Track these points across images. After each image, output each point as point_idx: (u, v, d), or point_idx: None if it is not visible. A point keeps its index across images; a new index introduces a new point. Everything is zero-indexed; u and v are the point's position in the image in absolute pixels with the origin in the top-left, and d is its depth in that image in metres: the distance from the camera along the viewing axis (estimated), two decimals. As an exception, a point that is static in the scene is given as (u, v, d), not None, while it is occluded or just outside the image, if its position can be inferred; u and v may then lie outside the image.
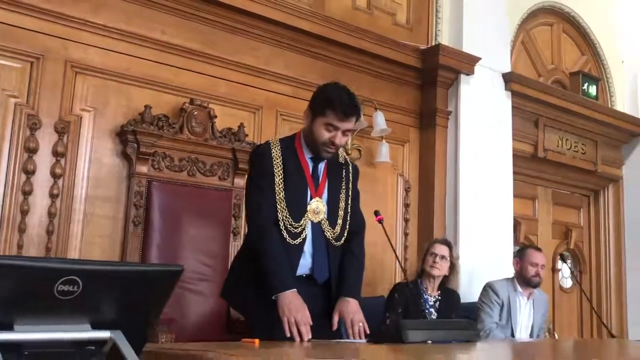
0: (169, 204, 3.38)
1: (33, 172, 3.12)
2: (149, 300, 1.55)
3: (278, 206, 2.22)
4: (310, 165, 2.34)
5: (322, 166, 2.36)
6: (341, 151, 2.50)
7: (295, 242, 2.23)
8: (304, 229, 2.26)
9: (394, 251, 2.64)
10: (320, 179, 2.34)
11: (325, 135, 2.26)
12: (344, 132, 2.28)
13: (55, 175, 3.18)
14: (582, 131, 5.78)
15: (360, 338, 2.15)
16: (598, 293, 6.17)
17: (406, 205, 4.62)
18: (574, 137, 5.74)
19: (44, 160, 3.16)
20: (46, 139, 3.18)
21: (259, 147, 2.45)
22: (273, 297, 2.11)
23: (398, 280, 4.33)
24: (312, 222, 2.29)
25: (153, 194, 3.35)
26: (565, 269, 5.96)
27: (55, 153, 3.19)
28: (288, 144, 2.35)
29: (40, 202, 3.14)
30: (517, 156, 5.18)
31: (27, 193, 3.09)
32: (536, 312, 3.91)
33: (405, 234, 4.61)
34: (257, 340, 1.91)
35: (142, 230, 3.31)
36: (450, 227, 4.58)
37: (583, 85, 5.71)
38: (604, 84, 6.26)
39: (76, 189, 3.24)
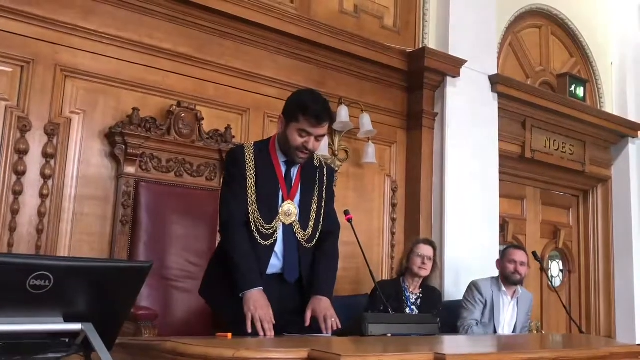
0: (156, 204, 3.47)
1: (23, 173, 3.21)
2: (120, 295, 1.64)
3: (250, 208, 2.30)
4: (284, 168, 2.43)
5: (295, 170, 2.45)
6: (316, 154, 2.58)
7: (266, 242, 2.32)
8: (275, 230, 2.34)
9: (362, 251, 2.70)
10: (293, 182, 2.42)
11: (299, 140, 2.34)
12: (317, 138, 2.37)
13: (45, 176, 3.27)
14: (570, 132, 5.86)
15: (331, 332, 2.23)
16: (587, 292, 6.25)
17: (393, 205, 4.71)
18: (562, 138, 5.81)
19: (34, 161, 3.26)
20: (36, 141, 3.27)
21: (232, 151, 2.54)
22: (240, 295, 2.19)
23: (383, 278, 4.42)
24: (283, 224, 2.37)
25: (141, 194, 3.44)
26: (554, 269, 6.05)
27: (45, 154, 3.28)
28: (262, 147, 2.43)
29: (30, 201, 3.23)
30: (504, 157, 5.27)
31: (17, 193, 3.19)
32: (520, 310, 3.99)
33: (392, 233, 4.69)
34: (229, 334, 2.00)
35: (130, 229, 3.40)
36: (436, 226, 4.67)
37: (570, 87, 5.79)
38: (593, 86, 6.33)
39: (65, 189, 3.33)
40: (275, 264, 2.36)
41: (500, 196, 5.24)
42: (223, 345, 1.47)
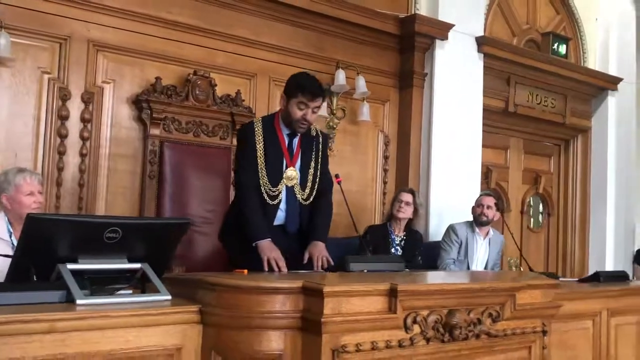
0: (178, 161, 4.05)
1: (66, 136, 3.78)
2: (167, 242, 2.25)
3: (260, 174, 2.86)
4: (287, 139, 2.96)
5: (296, 140, 2.98)
6: (313, 125, 3.12)
7: (273, 202, 2.89)
8: (280, 192, 2.90)
9: (347, 206, 3.22)
10: (294, 151, 2.97)
11: (298, 113, 2.87)
12: (313, 110, 2.89)
13: (83, 138, 3.84)
14: (552, 87, 6.32)
15: (324, 268, 2.82)
16: (564, 233, 6.87)
17: (385, 157, 5.27)
18: (544, 92, 6.28)
19: (74, 125, 3.82)
20: (75, 108, 3.83)
21: (244, 126, 3.07)
22: (253, 245, 2.78)
23: (376, 222, 5.03)
24: (287, 186, 2.93)
25: (165, 152, 4.01)
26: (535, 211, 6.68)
27: (83, 119, 3.84)
28: (268, 122, 2.96)
29: (72, 160, 3.81)
30: (489, 111, 5.77)
31: (61, 153, 3.77)
32: (492, 250, 4.60)
33: (384, 182, 5.27)
34: (245, 271, 2.60)
35: (157, 183, 3.99)
36: (423, 176, 5.24)
37: (553, 45, 6.21)
38: (577, 41, 6.74)
39: (101, 149, 3.91)
40: (280, 218, 2.94)
41: (485, 147, 5.80)
42: (249, 278, 2.08)
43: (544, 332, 2.43)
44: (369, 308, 1.94)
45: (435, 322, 2.09)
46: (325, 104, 4.76)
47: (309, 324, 1.88)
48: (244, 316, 1.91)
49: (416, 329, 2.05)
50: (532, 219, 6.72)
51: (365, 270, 2.45)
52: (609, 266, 6.60)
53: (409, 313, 2.02)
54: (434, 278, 2.61)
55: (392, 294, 1.96)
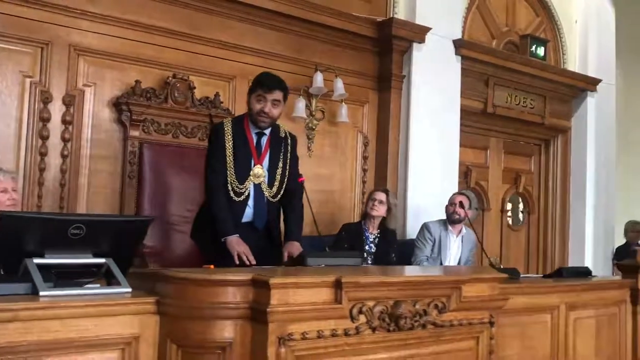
0: (157, 161, 4.18)
1: (47, 137, 3.91)
2: (131, 239, 2.37)
3: (228, 172, 2.99)
4: (255, 138, 3.10)
5: (264, 139, 3.12)
6: (282, 127, 3.26)
7: (239, 199, 3.02)
8: (247, 189, 3.03)
9: (310, 205, 3.33)
10: (262, 150, 3.10)
11: (257, 106, 3.03)
12: (273, 103, 3.03)
13: (65, 139, 3.98)
14: (531, 88, 6.45)
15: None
16: (545, 231, 7.00)
17: (364, 158, 5.41)
18: (523, 93, 6.41)
19: (55, 127, 3.96)
20: (56, 110, 3.96)
21: (214, 126, 3.21)
22: (222, 240, 2.92)
23: (354, 220, 5.16)
24: (254, 183, 3.06)
25: (144, 153, 4.14)
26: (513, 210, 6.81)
27: (64, 121, 3.98)
28: (238, 122, 3.11)
29: (53, 161, 3.94)
30: (468, 112, 5.91)
31: (43, 154, 3.90)
32: (464, 247, 4.74)
33: (363, 182, 5.41)
34: (212, 266, 2.73)
35: (136, 183, 4.12)
36: (401, 175, 5.38)
37: (531, 47, 6.34)
38: (557, 43, 6.87)
39: (82, 150, 4.04)
40: (248, 215, 3.07)
41: (465, 147, 5.94)
42: (204, 272, 2.21)
43: (491, 323, 2.55)
44: (315, 299, 2.06)
45: (381, 312, 2.21)
46: (304, 106, 4.90)
47: (257, 314, 2.00)
48: (197, 307, 2.04)
49: (362, 318, 2.17)
50: (512, 218, 6.86)
51: (323, 265, 2.58)
52: (589, 263, 6.71)
53: (355, 304, 2.15)
54: (383, 272, 2.74)
55: (338, 285, 2.09)
